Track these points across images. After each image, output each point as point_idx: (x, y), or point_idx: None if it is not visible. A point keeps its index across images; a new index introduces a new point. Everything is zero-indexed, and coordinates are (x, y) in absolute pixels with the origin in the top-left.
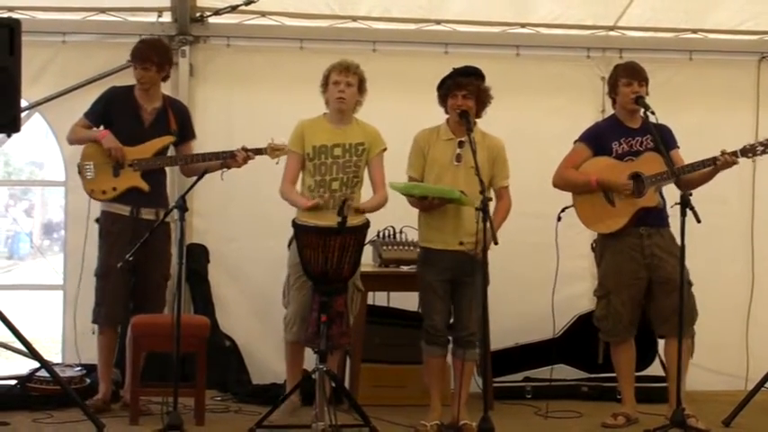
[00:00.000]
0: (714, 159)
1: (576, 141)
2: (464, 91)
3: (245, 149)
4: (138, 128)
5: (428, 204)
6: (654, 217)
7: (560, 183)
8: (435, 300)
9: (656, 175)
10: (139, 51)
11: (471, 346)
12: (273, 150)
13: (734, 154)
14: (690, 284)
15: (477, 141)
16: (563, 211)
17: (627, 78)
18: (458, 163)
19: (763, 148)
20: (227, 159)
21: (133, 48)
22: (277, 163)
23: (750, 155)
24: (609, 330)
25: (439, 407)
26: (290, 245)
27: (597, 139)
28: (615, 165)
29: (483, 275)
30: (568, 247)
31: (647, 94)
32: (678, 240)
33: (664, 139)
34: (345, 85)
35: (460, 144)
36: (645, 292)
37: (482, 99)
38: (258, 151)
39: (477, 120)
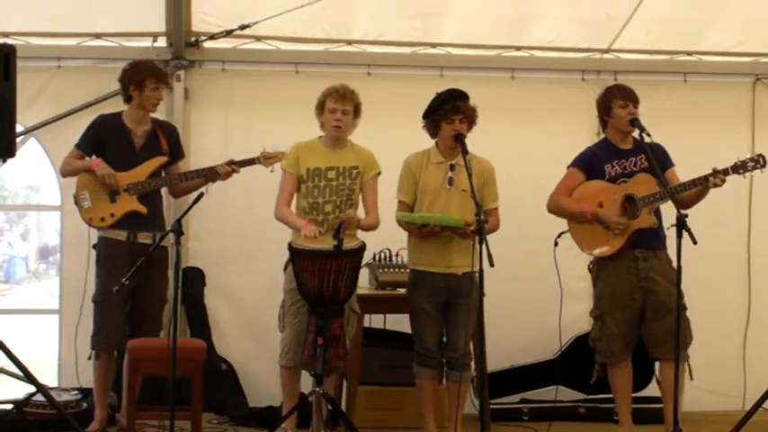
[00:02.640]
0: (705, 178)
1: (569, 166)
2: (461, 115)
3: (229, 163)
4: (130, 152)
5: (429, 231)
6: (650, 238)
7: (554, 209)
8: (427, 321)
9: (648, 196)
10: (159, 71)
11: (466, 368)
12: (267, 159)
13: (724, 172)
14: (684, 308)
15: (468, 162)
16: (559, 236)
17: (623, 101)
18: (450, 187)
19: (753, 164)
20: (211, 174)
21: (146, 68)
22: (272, 171)
23: (741, 171)
24: (604, 351)
25: (434, 429)
26: (285, 268)
27: (590, 163)
28: (608, 188)
29: (480, 298)
30: (566, 268)
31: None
32: (675, 263)
33: (658, 159)
34: (342, 113)
35: (452, 167)
36: (640, 314)
37: (473, 120)
38: (251, 161)
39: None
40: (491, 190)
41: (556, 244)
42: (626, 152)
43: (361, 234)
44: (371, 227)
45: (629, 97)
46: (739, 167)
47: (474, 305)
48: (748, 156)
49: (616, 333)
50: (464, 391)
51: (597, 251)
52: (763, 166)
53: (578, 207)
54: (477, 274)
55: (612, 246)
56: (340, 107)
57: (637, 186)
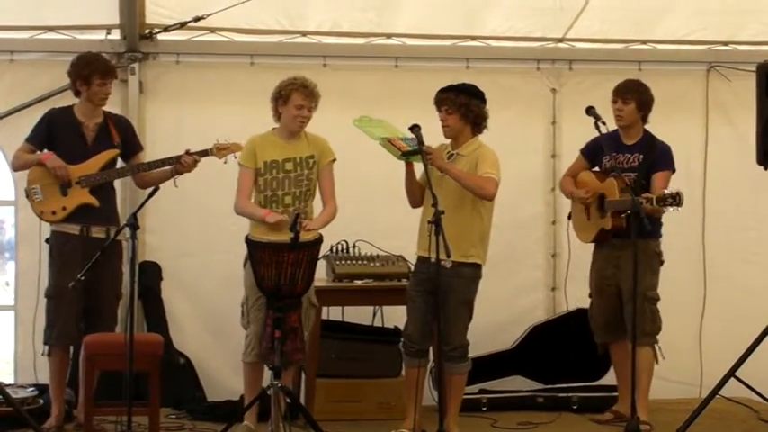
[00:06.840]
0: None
1: (580, 150)
2: (444, 105)
3: (189, 153)
4: (81, 146)
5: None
6: (630, 228)
7: (561, 189)
8: (411, 309)
9: (614, 202)
10: (105, 65)
11: (454, 360)
12: (220, 150)
13: (648, 201)
14: (656, 299)
15: (470, 152)
16: (569, 217)
17: (613, 96)
18: (442, 174)
19: (672, 200)
20: (176, 165)
21: (92, 63)
22: (225, 162)
23: (661, 204)
24: (593, 330)
25: (411, 414)
26: (245, 264)
27: (593, 152)
28: (590, 182)
29: (438, 289)
30: (524, 258)
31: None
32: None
33: (654, 159)
34: (308, 110)
35: (449, 156)
36: (619, 299)
37: (465, 113)
38: (204, 153)
39: (479, 134)
40: (481, 163)
41: (569, 217)
42: (627, 147)
43: None
44: (329, 219)
45: (615, 93)
46: (660, 201)
47: (465, 298)
48: (667, 191)
49: (597, 314)
50: (454, 384)
51: (580, 237)
52: (679, 204)
53: (568, 188)
54: (473, 267)
55: (587, 236)
56: (308, 104)
57: (606, 189)
